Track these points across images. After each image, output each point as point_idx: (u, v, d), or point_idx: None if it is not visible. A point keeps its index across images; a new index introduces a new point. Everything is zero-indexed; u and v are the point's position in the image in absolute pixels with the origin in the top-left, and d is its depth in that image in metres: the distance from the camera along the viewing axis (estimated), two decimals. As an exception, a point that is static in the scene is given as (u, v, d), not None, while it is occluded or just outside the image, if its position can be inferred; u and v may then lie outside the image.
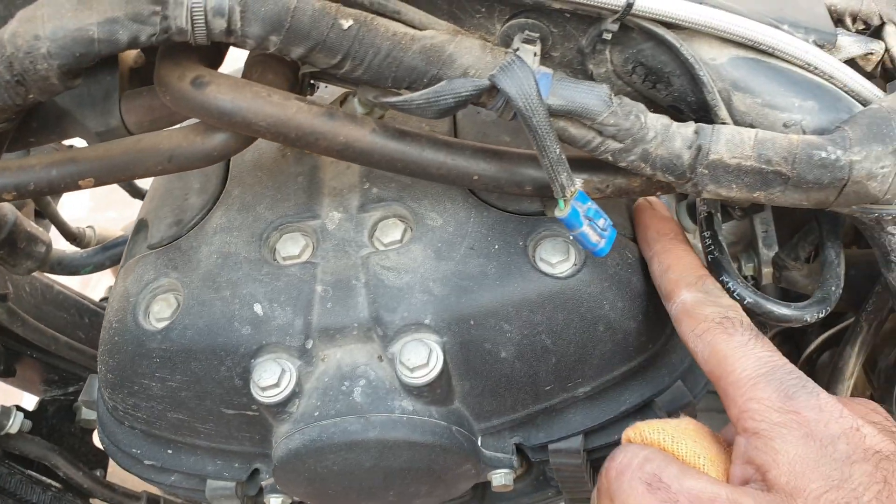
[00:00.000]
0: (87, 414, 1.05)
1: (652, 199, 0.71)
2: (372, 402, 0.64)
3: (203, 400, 0.69)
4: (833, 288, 0.64)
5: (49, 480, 0.96)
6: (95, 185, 0.64)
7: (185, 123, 0.64)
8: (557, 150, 0.55)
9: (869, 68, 0.62)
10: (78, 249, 1.03)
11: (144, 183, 1.13)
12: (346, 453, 0.64)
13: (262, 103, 0.57)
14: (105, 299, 1.11)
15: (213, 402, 0.68)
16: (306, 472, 0.66)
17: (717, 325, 0.59)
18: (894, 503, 0.51)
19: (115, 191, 1.10)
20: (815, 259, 0.74)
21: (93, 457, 1.08)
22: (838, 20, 0.62)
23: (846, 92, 0.58)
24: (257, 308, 0.66)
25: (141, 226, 0.77)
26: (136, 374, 0.69)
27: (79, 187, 0.64)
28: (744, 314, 0.61)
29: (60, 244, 1.00)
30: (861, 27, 0.63)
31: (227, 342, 0.66)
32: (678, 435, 0.59)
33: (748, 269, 0.78)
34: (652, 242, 0.67)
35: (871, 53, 0.60)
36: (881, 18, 0.62)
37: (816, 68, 0.58)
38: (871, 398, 0.79)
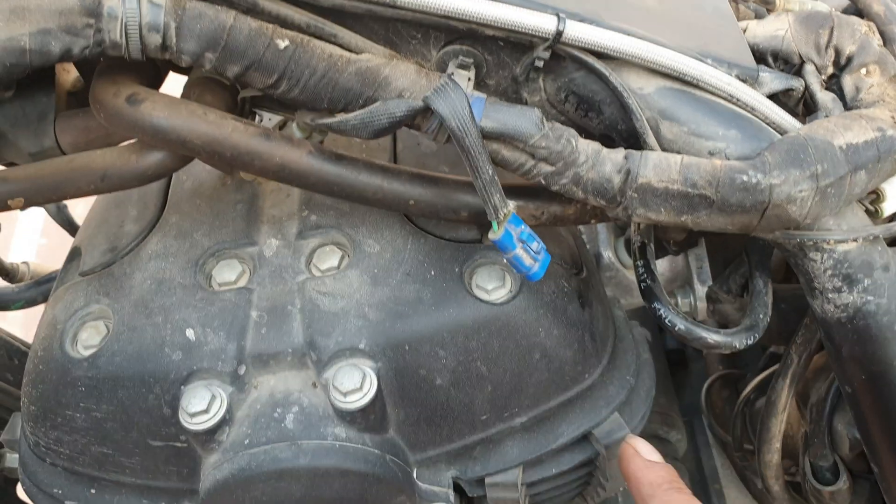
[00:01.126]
0: (11, 462, 1.00)
1: (636, 442, 0.68)
2: (304, 429, 0.63)
3: (129, 431, 0.66)
4: (761, 315, 0.66)
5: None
6: (25, 207, 0.63)
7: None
8: (490, 172, 0.56)
9: (791, 104, 0.65)
10: (10, 284, 1.00)
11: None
12: (275, 482, 0.62)
13: (197, 121, 0.58)
14: (38, 341, 1.07)
15: (140, 434, 0.66)
16: (234, 504, 0.64)
17: None
18: None
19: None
20: (747, 293, 0.75)
21: (16, 509, 1.02)
22: (760, 58, 0.66)
23: (767, 123, 0.61)
24: (189, 333, 0.65)
25: (74, 254, 0.75)
26: (59, 404, 0.67)
27: (8, 207, 0.63)
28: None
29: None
30: (782, 66, 0.66)
31: (156, 368, 0.64)
32: None
33: (684, 305, 0.80)
34: (648, 498, 0.64)
35: (792, 90, 0.63)
36: (800, 58, 0.65)
37: (738, 100, 0.60)
38: (805, 434, 0.80)
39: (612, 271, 0.87)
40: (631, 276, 0.88)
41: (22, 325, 1.07)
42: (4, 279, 1.04)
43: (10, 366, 0.97)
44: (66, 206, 1.09)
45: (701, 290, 0.78)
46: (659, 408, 0.95)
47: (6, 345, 0.99)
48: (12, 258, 1.08)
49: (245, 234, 0.70)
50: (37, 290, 0.96)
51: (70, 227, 1.09)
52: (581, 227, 0.87)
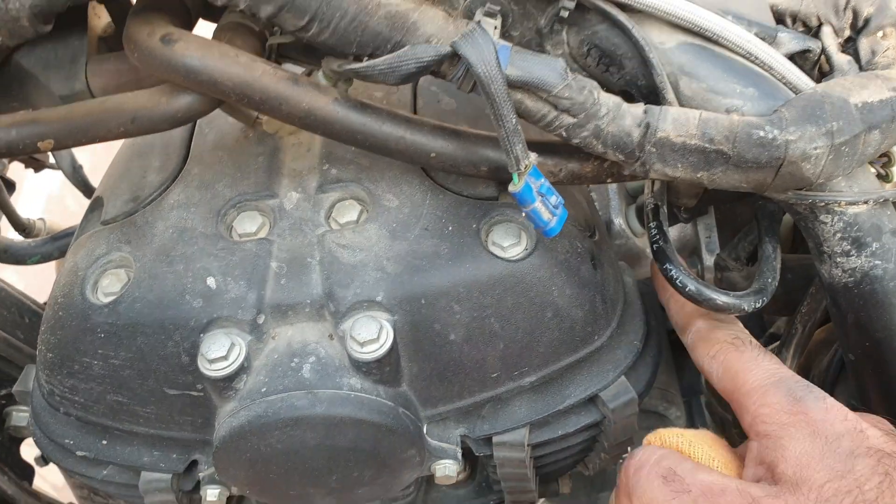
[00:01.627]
0: (17, 420, 1.00)
1: None
2: (321, 378, 0.64)
3: (146, 379, 0.67)
4: (770, 280, 0.67)
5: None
6: (56, 148, 0.64)
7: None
8: (514, 121, 0.57)
9: (807, 67, 0.65)
10: (25, 239, 1.01)
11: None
12: (291, 430, 0.63)
13: (229, 63, 0.59)
14: (48, 304, 1.08)
15: (157, 382, 0.67)
16: (249, 451, 0.64)
17: (728, 344, 0.65)
18: (895, 493, 0.54)
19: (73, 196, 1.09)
20: (755, 262, 0.77)
21: (19, 470, 1.02)
22: (778, 19, 0.67)
23: (783, 83, 0.62)
24: (210, 281, 0.65)
25: (96, 203, 0.76)
26: (77, 351, 0.68)
27: (38, 149, 0.64)
28: (751, 336, 0.66)
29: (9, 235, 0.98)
30: (800, 28, 0.67)
31: (176, 315, 0.65)
32: (695, 440, 0.65)
33: (691, 275, 0.80)
34: (666, 287, 0.71)
35: (809, 51, 0.64)
36: (819, 20, 0.66)
37: (757, 58, 0.61)
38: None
39: (622, 239, 0.88)
40: (641, 244, 0.89)
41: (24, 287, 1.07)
42: (20, 234, 1.04)
43: (21, 323, 0.98)
44: (81, 167, 1.10)
45: (708, 260, 0.79)
46: (659, 384, 0.95)
47: (17, 303, 0.99)
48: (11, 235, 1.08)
49: (266, 187, 0.71)
50: (53, 245, 0.97)
51: (85, 187, 1.10)
52: (593, 194, 0.88)
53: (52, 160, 1.14)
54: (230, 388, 0.64)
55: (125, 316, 0.66)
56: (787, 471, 0.57)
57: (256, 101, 0.60)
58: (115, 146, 0.78)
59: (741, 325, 0.68)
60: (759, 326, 1.01)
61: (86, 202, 1.11)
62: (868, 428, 0.58)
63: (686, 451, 0.64)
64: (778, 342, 0.87)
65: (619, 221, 0.88)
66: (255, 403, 0.63)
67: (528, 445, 0.71)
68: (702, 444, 0.64)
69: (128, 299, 0.66)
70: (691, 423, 1.05)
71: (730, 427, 0.95)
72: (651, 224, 0.69)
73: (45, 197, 2.38)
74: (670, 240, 0.67)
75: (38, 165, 1.12)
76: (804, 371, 0.80)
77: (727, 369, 0.64)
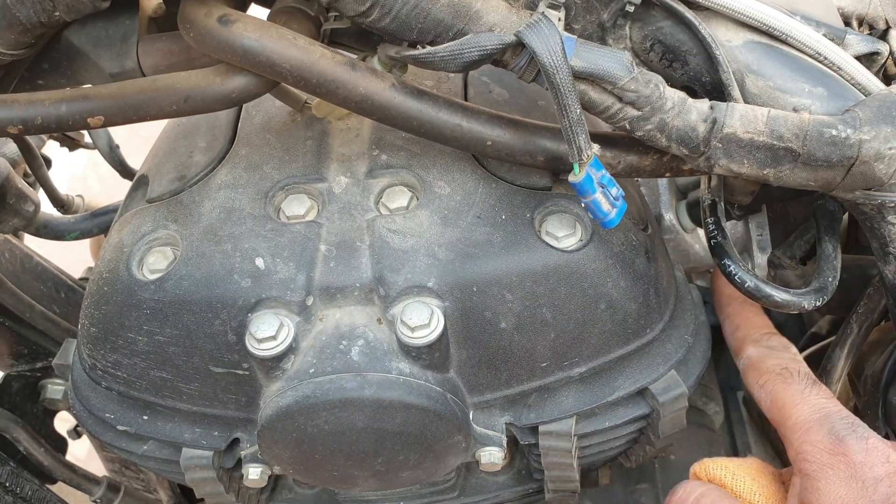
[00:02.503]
0: (53, 393, 1.01)
1: None
2: (369, 361, 0.63)
3: (191, 356, 0.67)
4: (830, 279, 0.66)
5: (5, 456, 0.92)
6: (105, 125, 0.64)
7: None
8: (578, 111, 0.56)
9: (874, 70, 0.64)
10: (64, 215, 1.01)
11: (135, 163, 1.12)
12: (339, 411, 0.63)
13: (287, 45, 0.58)
14: (84, 279, 1.08)
15: (202, 359, 0.66)
16: (295, 431, 0.64)
17: (777, 376, 0.66)
18: None
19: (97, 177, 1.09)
20: (810, 261, 0.75)
21: (52, 442, 1.03)
22: (846, 22, 0.65)
23: (852, 84, 0.61)
24: (259, 262, 0.65)
25: (141, 181, 0.76)
26: (122, 326, 0.67)
27: (88, 126, 0.63)
28: (803, 365, 0.67)
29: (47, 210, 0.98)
30: (867, 31, 0.66)
31: (224, 294, 0.64)
32: (739, 473, 0.66)
33: (741, 272, 0.79)
34: (724, 305, 0.73)
35: (877, 53, 0.63)
36: (887, 23, 0.65)
37: (826, 58, 0.60)
38: (855, 407, 0.80)
39: (671, 234, 0.87)
40: (690, 239, 0.88)
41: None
42: (59, 210, 1.04)
43: (58, 298, 0.98)
44: (118, 147, 1.09)
45: (760, 258, 0.78)
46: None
47: (54, 278, 0.99)
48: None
49: (314, 170, 0.70)
50: (92, 221, 0.97)
51: (122, 168, 1.09)
52: (642, 189, 0.87)
53: (87, 140, 1.14)
54: (278, 368, 0.64)
55: (172, 293, 0.65)
56: None
57: (313, 84, 0.59)
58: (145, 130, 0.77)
59: (795, 351, 0.69)
60: (799, 326, 1.00)
61: (110, 184, 1.11)
62: None
63: (729, 484, 0.65)
64: (823, 342, 0.86)
65: (669, 217, 0.87)
66: (304, 384, 0.63)
67: (574, 436, 0.70)
68: (745, 477, 0.65)
69: (175, 277, 0.66)
70: (727, 420, 1.04)
71: (768, 424, 0.94)
72: (709, 220, 0.68)
73: (68, 178, 2.39)
74: (728, 235, 0.66)
75: (73, 144, 1.12)
76: (857, 371, 0.79)
77: (774, 400, 0.65)
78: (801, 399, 0.64)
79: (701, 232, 0.89)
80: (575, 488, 0.77)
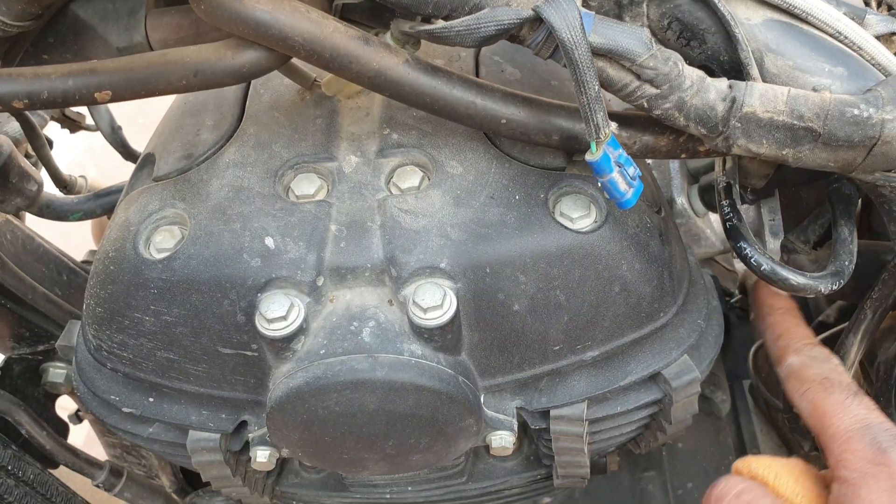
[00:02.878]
0: (54, 376, 1.00)
1: None
2: (381, 343, 0.62)
3: (199, 337, 0.66)
4: (846, 263, 0.65)
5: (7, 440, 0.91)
6: (113, 100, 0.62)
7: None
8: (596, 88, 0.55)
9: (892, 50, 0.63)
10: (67, 196, 0.99)
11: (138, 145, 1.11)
12: (350, 393, 0.62)
13: (300, 18, 0.56)
14: (86, 261, 1.07)
15: (210, 340, 0.66)
16: (305, 413, 0.63)
17: (818, 385, 0.66)
18: None
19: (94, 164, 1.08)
20: (822, 246, 0.75)
21: (54, 426, 1.02)
22: (864, 2, 0.64)
23: (873, 64, 0.60)
24: (269, 241, 0.64)
25: (147, 160, 0.75)
26: (129, 306, 0.66)
27: (95, 101, 0.62)
28: (845, 375, 0.67)
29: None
30: (885, 11, 0.65)
31: (233, 274, 0.63)
32: (782, 473, 0.65)
33: (753, 257, 0.78)
34: (766, 315, 0.74)
35: (896, 34, 0.62)
36: (906, 3, 0.64)
37: (846, 37, 0.59)
38: (867, 394, 0.79)
39: (683, 218, 0.86)
40: (702, 224, 0.87)
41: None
42: (61, 190, 1.03)
43: (59, 281, 0.97)
44: (120, 128, 1.08)
45: (772, 242, 0.77)
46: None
47: (55, 260, 0.98)
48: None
49: (324, 149, 0.69)
50: (96, 202, 0.96)
51: (124, 149, 1.08)
52: (654, 172, 0.86)
53: (88, 121, 1.12)
54: (288, 349, 0.63)
55: (180, 272, 0.64)
56: None
57: (326, 59, 0.58)
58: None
59: (837, 362, 0.68)
60: (806, 315, 1.00)
61: (108, 171, 1.10)
62: None
63: (772, 483, 0.64)
64: (831, 330, 0.85)
65: (681, 200, 0.86)
66: (314, 365, 0.62)
67: (585, 421, 0.69)
68: (788, 478, 0.65)
69: (183, 256, 0.65)
70: (733, 408, 1.03)
71: (775, 413, 0.93)
72: (724, 202, 0.67)
73: (66, 165, 2.37)
74: (744, 218, 0.65)
75: (74, 126, 1.10)
76: (869, 358, 0.79)
77: (815, 409, 0.65)
78: (843, 409, 0.64)
79: (713, 216, 0.89)
80: (585, 474, 0.76)
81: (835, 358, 0.69)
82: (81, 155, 2.54)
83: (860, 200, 0.78)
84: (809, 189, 0.79)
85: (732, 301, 1.13)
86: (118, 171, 1.11)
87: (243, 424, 0.71)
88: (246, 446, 0.73)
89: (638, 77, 0.56)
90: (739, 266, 1.15)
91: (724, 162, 0.70)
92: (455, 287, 0.62)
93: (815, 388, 0.66)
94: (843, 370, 0.68)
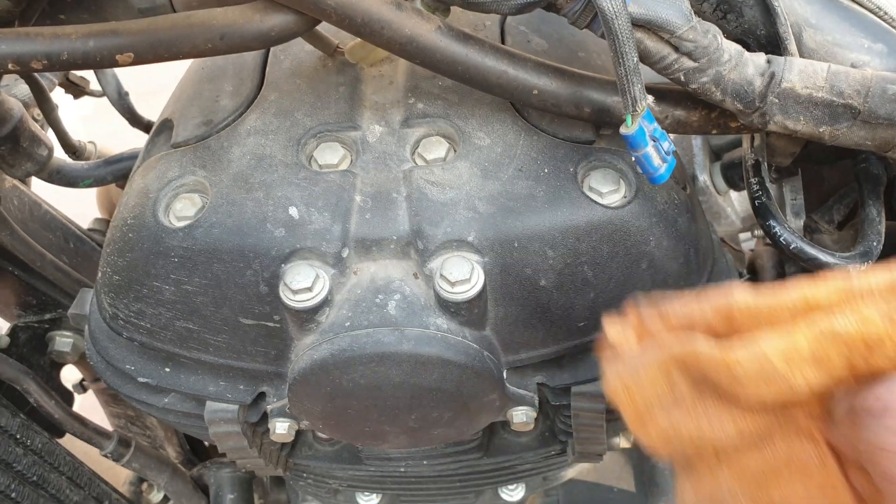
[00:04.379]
0: (61, 345, 0.99)
1: None
2: (406, 316, 0.61)
3: (220, 307, 0.65)
4: (875, 243, 0.65)
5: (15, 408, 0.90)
6: (135, 63, 0.61)
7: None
8: (635, 60, 0.54)
9: (929, 28, 0.63)
10: (77, 162, 0.97)
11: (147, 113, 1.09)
12: (376, 365, 0.61)
13: (333, -19, 0.55)
14: (93, 230, 1.05)
15: (231, 310, 0.65)
16: (329, 385, 0.63)
17: None
18: None
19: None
20: (846, 226, 0.74)
21: (59, 395, 1.01)
22: (902, -22, 0.63)
23: (912, 41, 0.59)
24: (293, 211, 0.63)
25: (164, 125, 0.73)
26: (148, 275, 0.65)
27: (116, 63, 0.60)
28: None
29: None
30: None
31: (257, 243, 0.62)
32: None
33: (773, 237, 0.78)
34: None
35: (935, 11, 0.61)
36: (943, -20, 0.63)
37: (887, 13, 0.59)
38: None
39: (705, 196, 0.86)
40: (723, 202, 0.86)
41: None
42: (70, 156, 1.01)
43: (66, 248, 0.95)
44: (127, 94, 1.06)
45: (793, 222, 0.76)
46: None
47: (62, 227, 0.97)
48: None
49: (348, 118, 0.67)
50: (107, 168, 0.94)
51: (131, 116, 1.06)
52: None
53: (93, 87, 1.10)
54: (312, 321, 0.62)
55: (202, 241, 0.63)
56: None
57: (358, 24, 0.57)
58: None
59: None
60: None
61: (103, 137, 1.08)
62: None
63: None
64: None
65: (703, 178, 0.85)
66: (339, 337, 0.61)
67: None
68: None
69: (205, 224, 0.63)
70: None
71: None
72: (752, 179, 0.66)
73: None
74: (772, 196, 0.65)
75: (78, 91, 1.08)
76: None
77: None
78: None
79: (734, 194, 0.88)
80: (602, 451, 0.76)
81: None
82: (75, 122, 2.51)
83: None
84: (832, 169, 0.78)
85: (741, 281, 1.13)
86: (111, 140, 1.09)
87: (261, 396, 0.70)
88: (263, 418, 0.72)
89: (676, 49, 0.55)
90: (747, 246, 1.15)
91: (753, 139, 0.69)
92: (482, 261, 0.62)
93: None
94: None
